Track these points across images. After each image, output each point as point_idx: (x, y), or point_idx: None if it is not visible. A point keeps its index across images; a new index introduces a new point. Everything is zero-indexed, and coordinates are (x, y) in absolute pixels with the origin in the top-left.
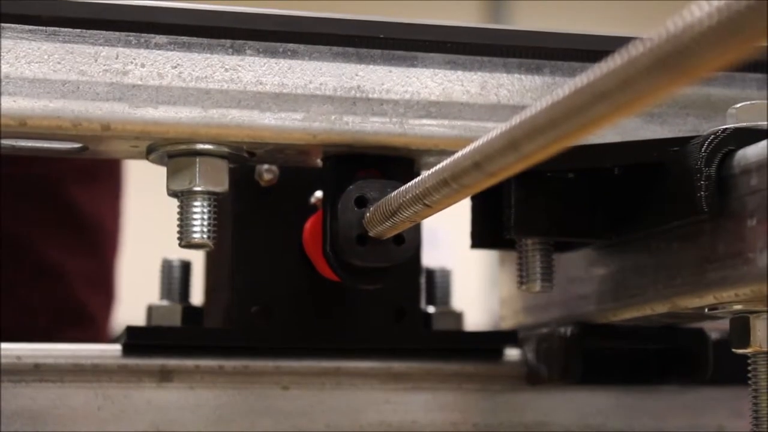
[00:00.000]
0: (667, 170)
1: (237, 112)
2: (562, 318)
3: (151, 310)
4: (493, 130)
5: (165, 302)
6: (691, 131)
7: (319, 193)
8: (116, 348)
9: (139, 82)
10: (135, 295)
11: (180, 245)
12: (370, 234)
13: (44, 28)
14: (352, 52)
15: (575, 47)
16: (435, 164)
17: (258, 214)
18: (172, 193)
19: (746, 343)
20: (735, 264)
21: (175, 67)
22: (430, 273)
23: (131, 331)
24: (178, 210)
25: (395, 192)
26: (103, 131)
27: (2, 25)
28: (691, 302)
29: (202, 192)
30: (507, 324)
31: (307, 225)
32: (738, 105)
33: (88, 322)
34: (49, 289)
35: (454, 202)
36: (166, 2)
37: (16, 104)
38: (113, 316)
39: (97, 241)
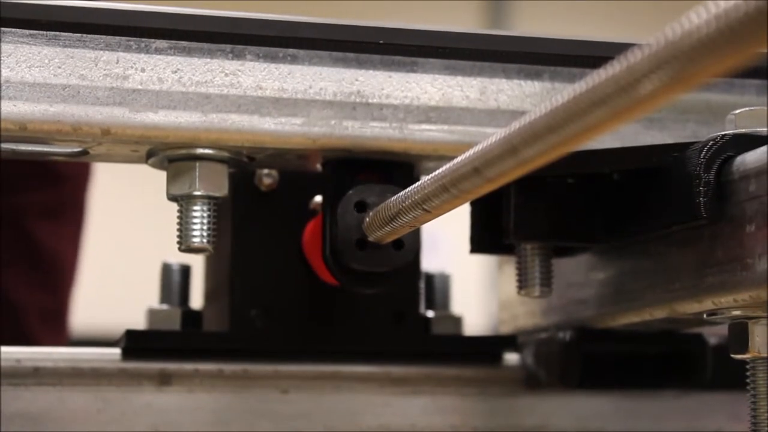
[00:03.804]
0: (666, 176)
1: (237, 116)
2: (561, 322)
3: (150, 313)
4: (493, 135)
5: (164, 306)
6: (690, 137)
7: (318, 198)
8: (116, 351)
9: (140, 87)
10: (134, 299)
11: (179, 249)
12: (370, 239)
13: (45, 32)
14: (351, 57)
15: (575, 53)
16: (434, 169)
17: (258, 218)
18: (172, 198)
19: (745, 348)
20: (734, 269)
21: (176, 71)
22: (430, 277)
23: (131, 334)
24: (177, 214)
25: (395, 197)
26: (103, 136)
27: (3, 29)
28: (689, 307)
29: (201, 196)
30: (506, 328)
31: (307, 229)
32: (737, 111)
33: None
34: (7, 323)
35: (454, 208)
36: (167, 7)
37: (17, 108)
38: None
39: (55, 276)
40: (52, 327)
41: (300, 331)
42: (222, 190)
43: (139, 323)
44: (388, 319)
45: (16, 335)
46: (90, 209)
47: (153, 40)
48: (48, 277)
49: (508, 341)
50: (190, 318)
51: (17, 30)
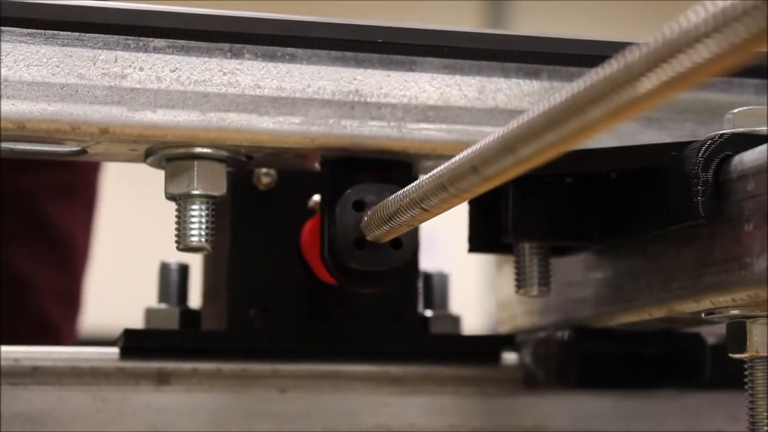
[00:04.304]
0: (664, 175)
1: (235, 115)
2: (560, 322)
3: (148, 313)
4: (491, 134)
5: (163, 305)
6: (688, 136)
7: (317, 197)
8: (114, 351)
9: (138, 86)
10: (133, 298)
11: (178, 248)
12: (368, 238)
13: (43, 31)
14: (350, 56)
15: (573, 52)
16: (433, 168)
17: (256, 217)
18: (170, 197)
19: (743, 347)
20: (732, 269)
21: (174, 70)
22: (428, 277)
23: (129, 334)
24: (176, 213)
25: (393, 196)
26: (102, 135)
27: (1, 28)
28: (688, 307)
29: (200, 195)
30: (504, 328)
31: (305, 228)
32: (735, 110)
33: (53, 334)
34: (19, 300)
35: (452, 207)
36: (165, 6)
37: (15, 107)
38: (77, 330)
39: (67, 256)
40: (65, 306)
41: (298, 331)
42: (220, 189)
43: (138, 322)
44: (386, 318)
45: (29, 315)
46: (102, 192)
47: (151, 39)
48: (60, 256)
49: (507, 341)
50: (189, 317)
51: (15, 29)
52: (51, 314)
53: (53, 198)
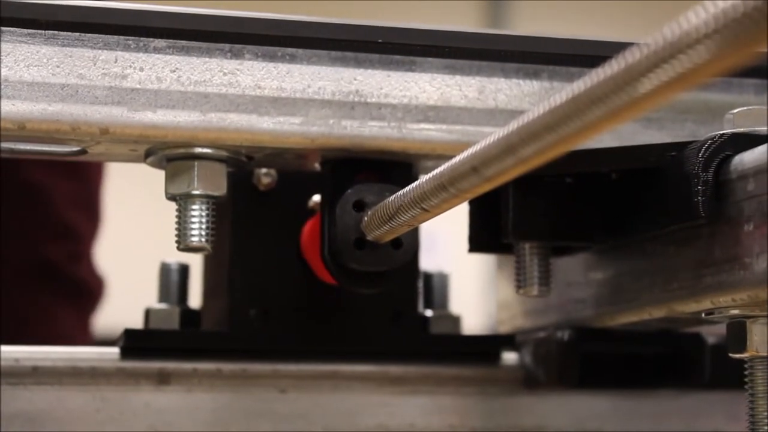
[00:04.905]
0: (664, 175)
1: (235, 116)
2: (560, 322)
3: (149, 313)
4: (491, 134)
5: (163, 305)
6: (688, 136)
7: (317, 197)
8: (114, 351)
9: (138, 86)
10: (133, 298)
11: (178, 248)
12: (368, 238)
13: (43, 31)
14: (350, 56)
15: (573, 52)
16: (433, 168)
17: (256, 217)
18: (171, 197)
19: (743, 347)
20: (732, 269)
21: (174, 71)
22: (428, 276)
23: (129, 334)
24: (176, 213)
25: (393, 196)
26: (102, 135)
27: (1, 28)
28: (688, 307)
29: (200, 195)
30: (504, 328)
31: (305, 229)
32: (735, 110)
33: (74, 238)
34: (34, 206)
35: (452, 207)
36: (165, 6)
37: (15, 108)
38: (98, 235)
39: (82, 166)
40: (84, 212)
41: (298, 331)
42: (220, 189)
43: (138, 322)
44: (386, 318)
45: (47, 220)
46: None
47: (151, 39)
48: (75, 166)
49: (507, 341)
50: (189, 317)
51: (16, 29)
52: (69, 218)
53: None
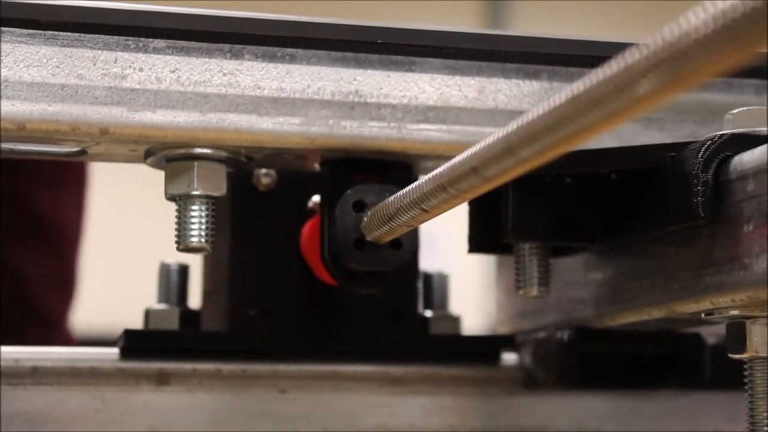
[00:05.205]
0: (664, 175)
1: (235, 116)
2: (559, 322)
3: (148, 313)
4: (491, 135)
5: (163, 306)
6: (688, 137)
7: (317, 198)
8: (114, 351)
9: (138, 86)
10: (133, 299)
11: (178, 249)
12: (368, 238)
13: (43, 32)
14: (350, 56)
15: (573, 53)
16: (433, 169)
17: (256, 218)
18: (170, 197)
19: (742, 348)
20: (731, 269)
21: (174, 71)
22: (428, 277)
23: (129, 334)
24: (176, 214)
25: (393, 197)
26: (102, 135)
27: (1, 28)
28: (687, 307)
29: (200, 196)
30: (504, 328)
31: (305, 229)
32: (735, 111)
33: (50, 323)
34: (12, 290)
35: (452, 207)
36: (165, 7)
37: (15, 108)
38: (71, 316)
39: (57, 243)
40: (59, 294)
41: (298, 331)
42: (220, 189)
43: (138, 323)
44: (386, 318)
45: (24, 304)
46: (91, 176)
47: (151, 39)
48: (50, 244)
49: (507, 341)
50: (189, 318)
51: (16, 29)
52: (47, 303)
53: (42, 187)
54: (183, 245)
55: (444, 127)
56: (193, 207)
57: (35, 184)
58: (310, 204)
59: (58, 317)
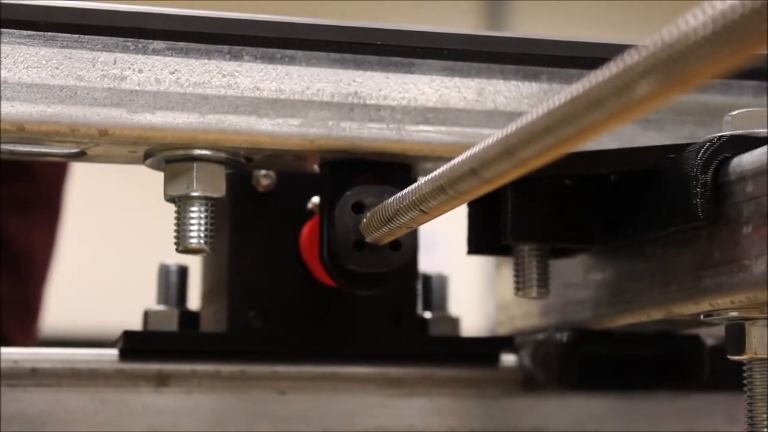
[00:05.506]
0: (663, 177)
1: (234, 117)
2: (559, 324)
3: (147, 314)
4: (490, 136)
5: (162, 307)
6: (687, 138)
7: (316, 199)
8: (113, 352)
9: (137, 88)
10: (132, 300)
11: (177, 250)
12: (367, 240)
13: (42, 33)
14: (349, 58)
15: (572, 54)
16: (432, 170)
17: (255, 219)
18: (170, 199)
19: (741, 349)
20: (731, 271)
21: (173, 72)
22: (427, 278)
23: (128, 335)
24: (175, 215)
25: (392, 198)
26: (101, 136)
27: (1, 30)
28: (686, 308)
29: (199, 197)
30: (503, 329)
31: (304, 230)
32: (734, 112)
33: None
34: None
35: (451, 209)
36: (164, 8)
37: (14, 109)
38: (31, 343)
39: (24, 270)
40: (21, 320)
41: (297, 332)
42: (219, 191)
43: (137, 324)
44: (385, 320)
45: None
46: (66, 204)
47: (150, 41)
48: (16, 270)
49: (506, 342)
50: (188, 319)
51: (15, 31)
52: (7, 328)
53: (10, 212)
54: (182, 246)
55: (443, 128)
56: (193, 208)
57: (5, 208)
58: (310, 205)
59: (15, 343)
